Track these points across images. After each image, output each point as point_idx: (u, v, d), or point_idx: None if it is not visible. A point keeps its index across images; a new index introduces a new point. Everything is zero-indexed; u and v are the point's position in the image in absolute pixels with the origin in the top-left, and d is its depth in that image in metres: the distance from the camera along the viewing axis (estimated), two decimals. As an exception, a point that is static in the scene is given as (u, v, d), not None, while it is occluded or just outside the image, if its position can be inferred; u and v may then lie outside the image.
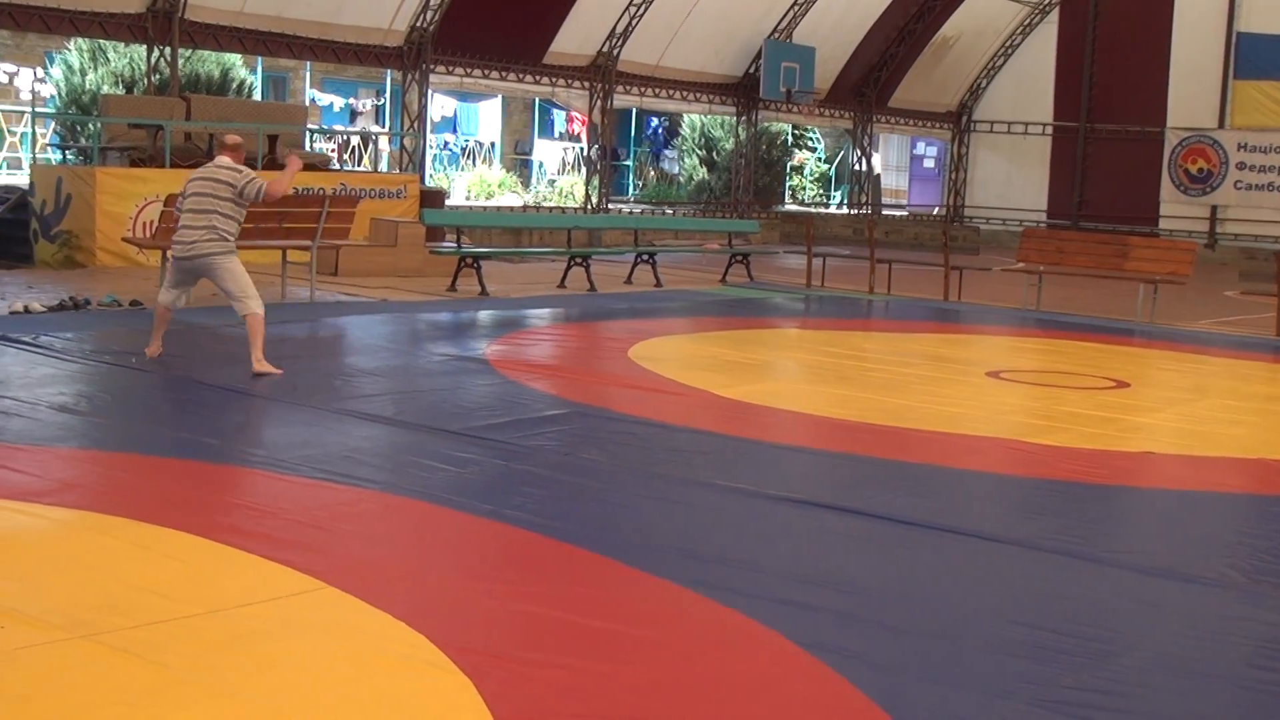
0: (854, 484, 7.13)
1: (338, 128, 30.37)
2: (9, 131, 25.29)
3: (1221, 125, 30.00)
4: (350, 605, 4.76)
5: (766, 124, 31.82)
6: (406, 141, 23.41)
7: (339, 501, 6.14)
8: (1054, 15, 32.09)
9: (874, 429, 8.62)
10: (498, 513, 6.01)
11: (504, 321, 13.49)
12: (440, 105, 31.87)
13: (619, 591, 5.15)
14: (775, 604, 4.97)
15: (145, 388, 9.01)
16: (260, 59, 25.70)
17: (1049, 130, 32.71)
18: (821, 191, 38.15)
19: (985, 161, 34.05)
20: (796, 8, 27.81)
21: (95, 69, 22.87)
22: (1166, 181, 30.60)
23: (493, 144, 34.86)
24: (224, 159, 9.77)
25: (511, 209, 27.60)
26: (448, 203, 22.63)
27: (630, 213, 27.55)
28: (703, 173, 33.87)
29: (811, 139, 38.11)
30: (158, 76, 19.71)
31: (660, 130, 38.91)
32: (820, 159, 38.46)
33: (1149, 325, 15.63)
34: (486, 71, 24.04)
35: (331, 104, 31.78)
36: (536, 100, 34.17)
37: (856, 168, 33.42)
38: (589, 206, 26.83)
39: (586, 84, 25.79)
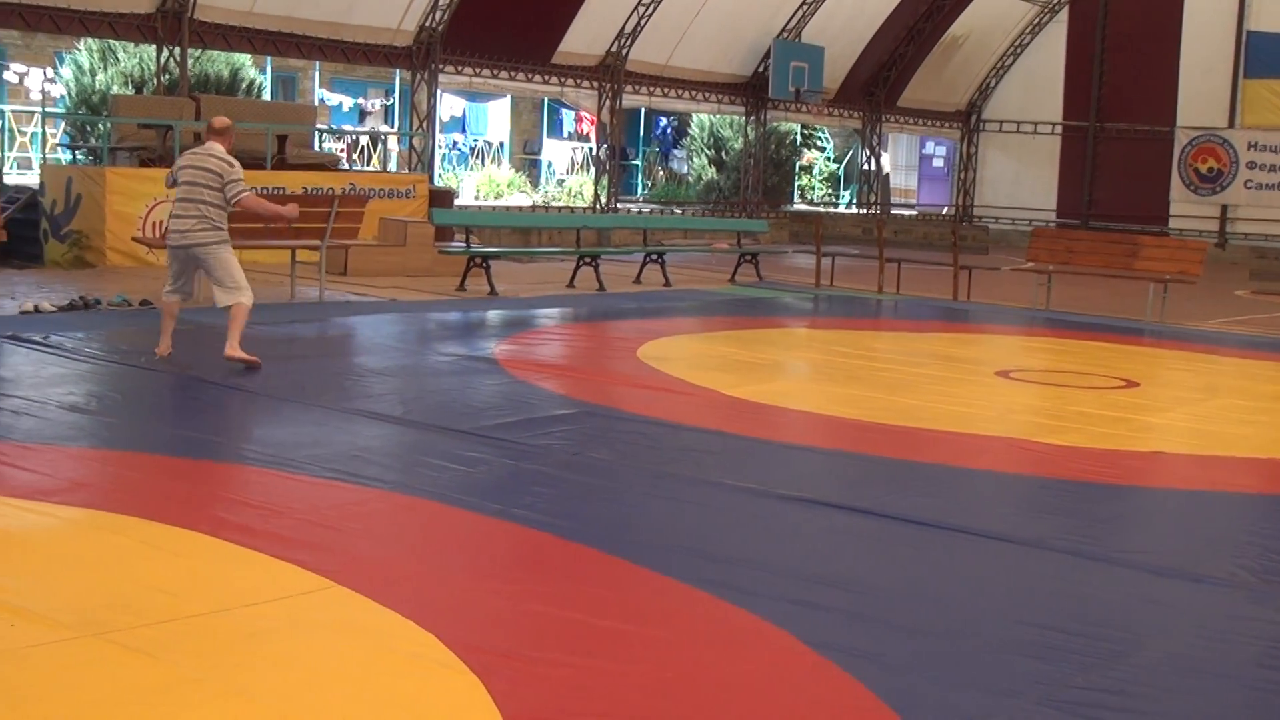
0: (863, 483, 7.13)
1: (347, 127, 30.41)
2: (19, 131, 25.35)
3: (1231, 124, 29.94)
4: (359, 604, 4.76)
5: (775, 123, 31.80)
6: (415, 141, 23.42)
7: (348, 501, 6.15)
8: (1063, 14, 32.06)
9: (883, 428, 8.61)
10: (507, 512, 6.01)
11: (513, 321, 13.50)
12: (449, 105, 31.88)
13: (628, 591, 5.15)
14: (785, 603, 4.97)
15: (155, 387, 9.03)
16: (269, 59, 25.75)
17: (1058, 129, 32.67)
18: (830, 191, 38.12)
19: (994, 161, 34.01)
20: (805, 7, 27.79)
21: (105, 69, 22.91)
22: (1176, 181, 30.54)
23: (501, 144, 34.88)
24: (215, 146, 9.71)
25: (520, 209, 27.61)
26: (456, 202, 22.63)
27: (639, 212, 27.55)
28: (711, 172, 33.87)
29: (820, 138, 38.10)
30: (167, 76, 19.74)
31: (669, 130, 38.91)
32: (829, 158, 38.44)
33: (1159, 325, 15.61)
34: (495, 71, 24.05)
35: (340, 104, 31.83)
36: (545, 100, 34.21)
37: (865, 167, 33.39)
38: (598, 206, 26.84)
39: (595, 84, 25.80)
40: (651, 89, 27.09)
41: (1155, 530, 6.78)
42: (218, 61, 23.03)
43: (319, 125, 22.69)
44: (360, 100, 32.87)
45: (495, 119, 35.74)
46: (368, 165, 27.97)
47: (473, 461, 7.00)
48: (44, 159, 18.91)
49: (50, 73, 26.18)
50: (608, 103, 26.04)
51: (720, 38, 27.26)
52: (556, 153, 36.17)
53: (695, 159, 34.86)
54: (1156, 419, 9.66)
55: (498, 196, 29.65)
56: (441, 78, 23.06)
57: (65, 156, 21.85)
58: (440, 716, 3.94)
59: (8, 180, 19.42)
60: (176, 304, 9.90)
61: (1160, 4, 30.55)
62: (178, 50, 19.34)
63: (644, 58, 26.12)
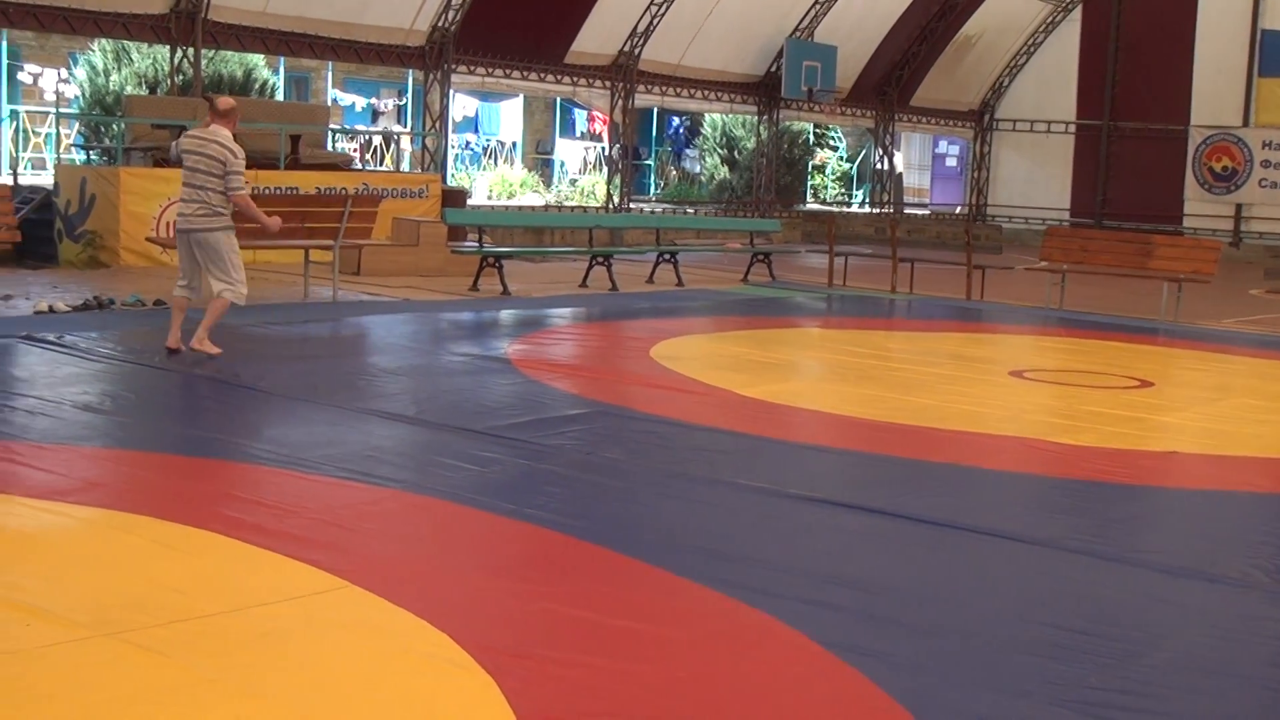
0: (876, 483, 7.12)
1: (360, 128, 30.44)
2: (34, 132, 25.42)
3: (1246, 123, 29.85)
4: (373, 604, 4.77)
5: (788, 123, 31.79)
6: (428, 141, 23.45)
7: (361, 500, 6.16)
8: (1077, 13, 31.98)
9: (896, 428, 8.61)
10: (520, 512, 6.02)
11: (526, 321, 13.51)
12: (462, 105, 31.91)
13: (641, 590, 5.15)
14: (797, 603, 4.97)
15: (169, 387, 9.05)
16: (283, 59, 25.78)
17: (1072, 128, 32.60)
18: (843, 190, 38.09)
19: (1008, 160, 33.95)
20: (818, 7, 27.77)
21: (119, 70, 22.97)
22: (1190, 180, 30.45)
23: (514, 143, 34.91)
24: (220, 130, 9.66)
25: (533, 208, 27.62)
26: (469, 202, 22.65)
27: (652, 212, 27.53)
28: (724, 172, 33.85)
29: (833, 138, 38.06)
30: (181, 77, 19.79)
31: (681, 129, 38.90)
32: (842, 158, 38.40)
33: (1173, 324, 15.57)
34: (508, 71, 24.07)
35: (353, 104, 31.86)
36: (558, 100, 34.22)
37: (878, 167, 33.36)
38: (610, 206, 26.84)
39: (608, 83, 25.80)
40: (664, 89, 27.09)
41: (1169, 530, 6.76)
42: (231, 62, 23.07)
43: (332, 125, 22.73)
44: (373, 100, 32.91)
45: (508, 119, 35.77)
46: (381, 165, 28.01)
47: (486, 461, 7.01)
48: (58, 159, 18.95)
49: (64, 73, 26.25)
50: (620, 102, 26.04)
51: (733, 37, 27.25)
52: (569, 152, 36.18)
53: (708, 158, 34.84)
54: (1170, 419, 9.64)
55: (510, 196, 29.66)
56: (454, 78, 23.09)
57: (79, 157, 21.91)
58: (453, 716, 3.94)
59: (22, 180, 19.48)
60: (186, 301, 9.93)
61: (1174, 2, 30.47)
62: (191, 51, 19.39)
63: (656, 57, 26.12)
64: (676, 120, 38.41)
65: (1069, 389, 10.78)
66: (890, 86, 31.34)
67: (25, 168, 22.96)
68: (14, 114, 24.75)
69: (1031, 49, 32.79)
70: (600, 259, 17.09)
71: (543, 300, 15.10)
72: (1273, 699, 4.35)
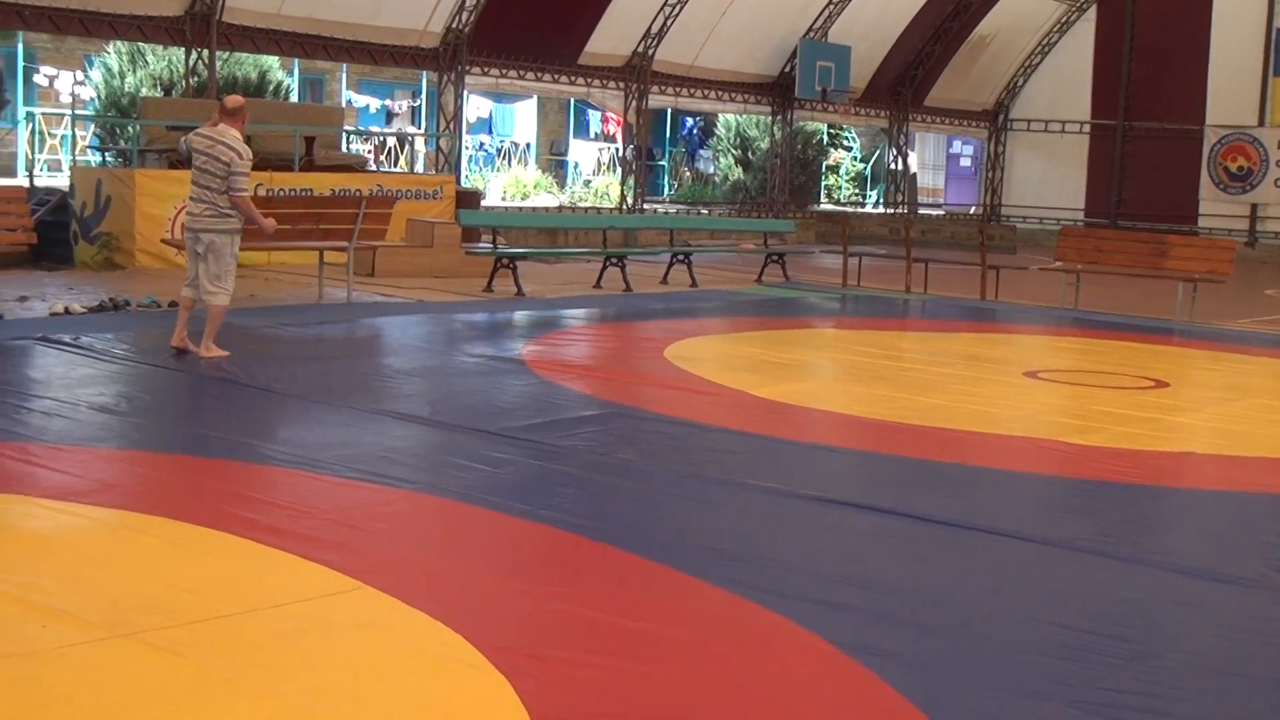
0: (889, 484, 7.12)
1: (374, 129, 30.48)
2: (49, 134, 25.50)
3: (1261, 123, 29.74)
4: (387, 605, 4.79)
5: (802, 123, 31.76)
6: (442, 142, 23.48)
7: (375, 501, 6.18)
8: (1091, 13, 31.91)
9: (910, 429, 8.60)
10: (533, 513, 6.03)
11: (540, 322, 13.52)
12: (476, 106, 31.95)
13: (655, 591, 5.16)
14: (810, 604, 4.97)
15: (184, 388, 9.08)
16: (297, 61, 25.83)
17: (1086, 128, 32.53)
18: (857, 191, 38.05)
19: (1022, 160, 33.88)
20: (832, 7, 27.75)
21: (134, 72, 23.04)
22: (1206, 179, 30.36)
23: (528, 144, 34.93)
24: (229, 130, 9.66)
25: (547, 209, 27.64)
26: (483, 203, 22.67)
27: (665, 213, 27.54)
28: (738, 172, 33.84)
29: (847, 138, 38.02)
30: (196, 79, 19.85)
31: (695, 130, 38.89)
32: (856, 158, 38.36)
33: (1188, 324, 15.52)
34: (522, 72, 24.10)
35: (368, 105, 31.91)
36: (572, 101, 34.23)
37: (892, 167, 33.32)
38: (624, 207, 26.85)
39: (621, 84, 25.81)
40: (678, 89, 27.09)
41: (1183, 531, 6.75)
42: (245, 63, 23.13)
43: (346, 127, 22.76)
44: (387, 102, 32.95)
45: (522, 120, 35.80)
46: (395, 166, 28.04)
47: (500, 462, 7.03)
48: (74, 161, 19.01)
49: (80, 75, 26.34)
50: (634, 103, 26.05)
51: (746, 38, 27.24)
52: (583, 153, 36.19)
53: (722, 159, 34.84)
54: (1185, 419, 9.62)
55: (524, 197, 29.69)
56: (468, 79, 23.12)
57: (95, 159, 21.97)
58: (468, 717, 3.95)
59: (38, 182, 19.55)
60: (193, 301, 9.97)
61: (1189, 2, 30.39)
62: (206, 52, 19.46)
63: (670, 58, 26.12)
64: (690, 121, 38.40)
65: (1083, 389, 10.76)
66: (904, 86, 31.30)
67: (41, 169, 23.03)
68: (30, 116, 24.83)
69: (1046, 49, 32.73)
70: (614, 260, 17.10)
71: (557, 301, 15.11)
72: (1287, 700, 4.34)
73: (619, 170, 29.21)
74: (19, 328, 10.80)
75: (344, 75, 30.43)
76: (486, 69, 23.46)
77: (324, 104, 28.94)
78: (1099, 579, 5.54)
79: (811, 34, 28.05)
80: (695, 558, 5.48)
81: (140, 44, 21.83)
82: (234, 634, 4.46)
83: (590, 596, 4.97)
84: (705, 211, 29.95)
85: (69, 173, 18.06)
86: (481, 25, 22.45)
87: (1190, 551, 6.07)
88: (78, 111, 23.31)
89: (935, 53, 30.93)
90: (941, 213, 35.90)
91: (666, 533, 5.91)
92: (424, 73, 25.77)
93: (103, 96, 23.37)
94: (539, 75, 24.42)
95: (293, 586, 4.97)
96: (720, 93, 28.10)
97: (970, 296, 17.51)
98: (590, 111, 35.72)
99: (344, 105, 28.69)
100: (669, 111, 33.28)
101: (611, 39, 24.84)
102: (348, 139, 21.90)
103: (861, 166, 38.42)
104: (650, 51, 25.61)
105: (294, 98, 25.63)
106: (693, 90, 27.45)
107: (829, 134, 36.52)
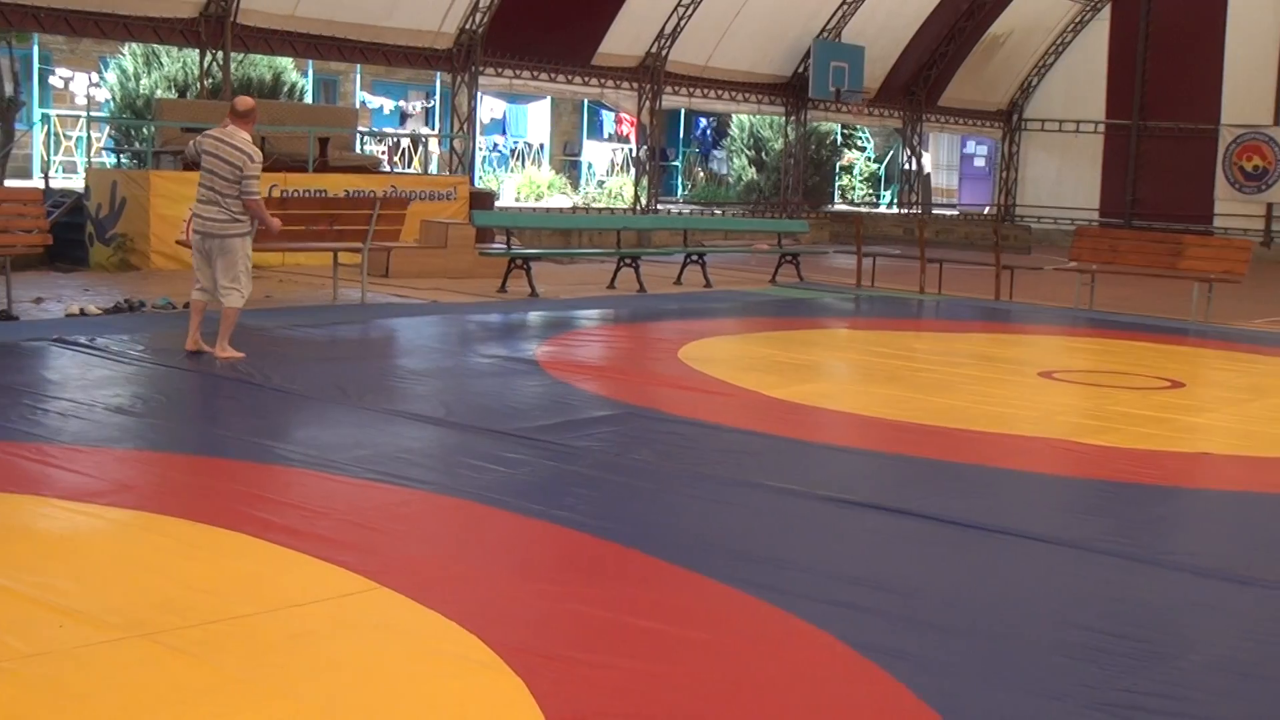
0: (905, 485, 7.11)
1: (388, 130, 30.54)
2: (65, 136, 25.59)
3: (1277, 122, 29.61)
4: (403, 606, 4.79)
5: (815, 124, 31.73)
6: (456, 143, 23.51)
7: (391, 502, 6.18)
8: (1106, 12, 31.82)
9: (925, 429, 8.58)
10: (548, 513, 6.03)
11: (554, 322, 13.53)
12: (489, 107, 31.99)
13: (670, 592, 5.15)
14: (826, 605, 4.96)
15: (199, 389, 9.10)
16: (311, 62, 25.89)
17: (1101, 128, 32.43)
18: (871, 191, 38.01)
19: (1036, 160, 33.79)
20: (845, 7, 27.71)
21: (149, 73, 23.11)
22: (1221, 179, 30.25)
23: (542, 145, 34.95)
24: (239, 132, 9.66)
25: (561, 210, 27.66)
26: (497, 204, 22.70)
27: (679, 213, 27.54)
28: (752, 173, 33.83)
29: (861, 138, 37.99)
30: (210, 80, 19.90)
31: (709, 131, 38.89)
32: (870, 158, 38.32)
33: (1204, 325, 15.47)
34: (535, 73, 24.11)
35: (381, 106, 31.97)
36: (585, 101, 34.24)
37: (906, 167, 33.26)
38: (638, 207, 26.85)
39: (635, 85, 25.80)
40: (691, 90, 27.07)
41: (1201, 532, 6.73)
42: (260, 65, 23.18)
43: (360, 128, 22.81)
44: (401, 103, 33.01)
45: (535, 121, 35.82)
46: (409, 167, 28.10)
47: (514, 463, 7.03)
48: (89, 163, 19.06)
49: (95, 77, 26.42)
50: (647, 104, 26.04)
51: (760, 38, 27.22)
52: (596, 154, 36.21)
53: (735, 159, 34.82)
54: (1201, 419, 9.58)
55: (538, 198, 29.71)
56: (482, 80, 23.12)
57: (110, 160, 22.05)
58: (483, 717, 3.95)
59: (54, 184, 19.61)
60: (204, 303, 9.99)
61: (1204, 1, 30.29)
62: (220, 54, 19.49)
63: (684, 59, 26.11)
64: (704, 121, 38.40)
65: (1099, 390, 10.73)
66: (918, 86, 31.25)
67: (56, 171, 23.13)
68: (45, 118, 24.93)
69: (1060, 48, 32.65)
70: (628, 260, 17.10)
71: (570, 302, 15.12)
72: (1306, 702, 4.32)
73: (632, 171, 29.22)
74: (35, 329, 10.84)
75: (358, 76, 30.50)
76: (500, 70, 23.47)
77: (338, 105, 29.00)
78: (1116, 580, 5.52)
79: (825, 34, 28.02)
80: (710, 558, 5.47)
81: (155, 46, 21.90)
82: (250, 634, 4.47)
83: (605, 597, 4.96)
84: (719, 212, 29.94)
85: (84, 174, 18.11)
86: (495, 26, 22.47)
87: (1208, 552, 6.05)
88: (93, 113, 23.38)
89: (949, 53, 30.87)
90: (956, 213, 35.83)
91: (681, 533, 5.90)
92: (438, 74, 25.81)
93: (118, 98, 23.44)
94: (552, 76, 24.42)
95: (308, 587, 4.98)
96: (734, 93, 28.07)
97: (985, 297, 17.47)
98: (604, 112, 35.74)
99: (358, 106, 28.76)
100: (682, 112, 33.27)
101: (625, 40, 24.84)
102: (362, 140, 21.95)
103: (875, 167, 38.39)
104: (664, 52, 25.60)
105: (308, 99, 25.69)
106: (706, 91, 27.43)
107: (843, 134, 36.49)
